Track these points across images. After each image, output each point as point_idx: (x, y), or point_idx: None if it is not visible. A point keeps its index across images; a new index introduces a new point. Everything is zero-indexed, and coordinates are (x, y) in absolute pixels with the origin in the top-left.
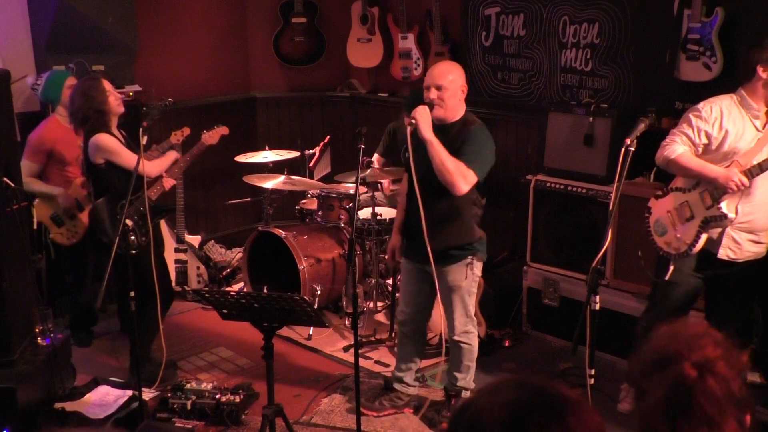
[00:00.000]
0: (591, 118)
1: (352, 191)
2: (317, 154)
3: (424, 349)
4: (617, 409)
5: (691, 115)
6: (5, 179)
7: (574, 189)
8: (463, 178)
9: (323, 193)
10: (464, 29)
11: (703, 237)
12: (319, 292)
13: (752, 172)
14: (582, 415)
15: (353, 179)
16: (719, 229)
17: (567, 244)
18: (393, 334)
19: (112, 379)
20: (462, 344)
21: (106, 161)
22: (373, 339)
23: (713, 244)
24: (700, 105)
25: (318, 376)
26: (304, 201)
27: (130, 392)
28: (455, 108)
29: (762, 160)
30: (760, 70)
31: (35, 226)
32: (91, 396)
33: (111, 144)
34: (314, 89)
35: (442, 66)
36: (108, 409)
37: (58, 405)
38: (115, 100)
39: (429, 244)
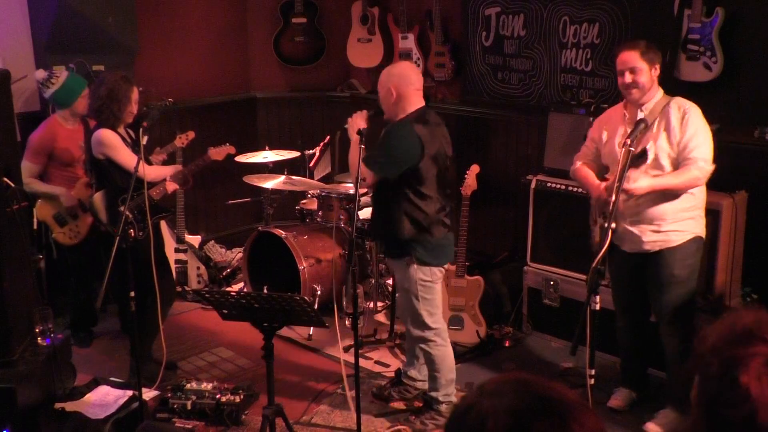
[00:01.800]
0: (591, 118)
1: (352, 191)
2: (317, 154)
3: None
4: (607, 405)
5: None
6: (5, 179)
7: (575, 189)
8: (367, 172)
9: (323, 194)
10: (464, 29)
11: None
12: (319, 293)
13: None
14: (584, 420)
15: (353, 179)
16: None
17: (567, 244)
18: (393, 334)
19: (112, 379)
20: (423, 349)
21: (106, 157)
22: (373, 339)
23: (618, 239)
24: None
25: (318, 376)
26: (304, 201)
27: (130, 392)
28: (393, 109)
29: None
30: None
31: (36, 226)
32: (91, 396)
33: (112, 140)
34: (314, 89)
35: (383, 72)
36: (108, 409)
37: (58, 405)
38: (132, 111)
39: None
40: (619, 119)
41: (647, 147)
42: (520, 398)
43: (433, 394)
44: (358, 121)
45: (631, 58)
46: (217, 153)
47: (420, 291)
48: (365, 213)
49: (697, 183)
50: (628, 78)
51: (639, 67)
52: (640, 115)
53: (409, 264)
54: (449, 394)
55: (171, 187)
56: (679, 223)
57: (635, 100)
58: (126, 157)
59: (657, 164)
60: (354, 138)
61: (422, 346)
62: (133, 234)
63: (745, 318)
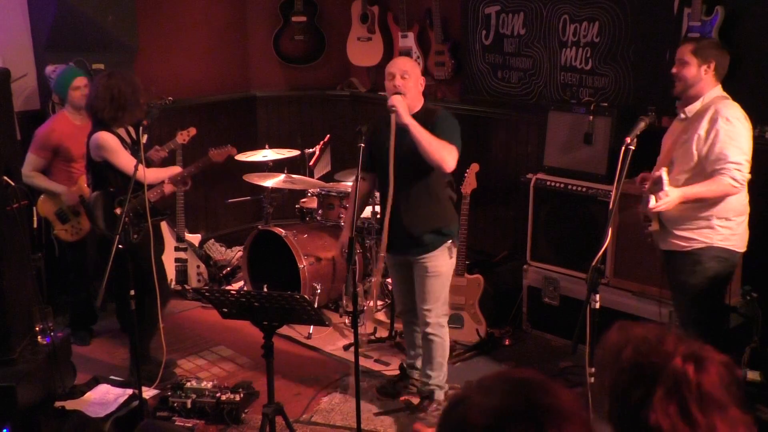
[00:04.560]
0: (591, 117)
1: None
2: (317, 152)
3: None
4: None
5: None
6: (5, 178)
7: (574, 188)
8: (449, 153)
9: (323, 192)
10: (464, 28)
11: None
12: (319, 291)
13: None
14: (565, 428)
15: (353, 178)
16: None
17: (567, 242)
18: (393, 333)
19: (112, 377)
20: (435, 338)
21: (104, 160)
22: (373, 338)
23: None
24: None
25: (318, 374)
26: (304, 200)
27: (130, 391)
28: (417, 97)
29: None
30: None
31: (36, 225)
32: (92, 395)
33: (111, 144)
34: (314, 88)
35: (403, 58)
36: (108, 408)
37: (58, 404)
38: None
39: (409, 232)
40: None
41: (661, 174)
42: (506, 399)
43: (438, 382)
44: (403, 104)
45: (682, 51)
46: (218, 155)
47: (450, 273)
48: (365, 212)
49: (731, 191)
50: (674, 68)
51: (686, 61)
52: (681, 117)
53: (450, 248)
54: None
55: (168, 189)
56: (693, 231)
57: (677, 93)
58: (125, 161)
59: (687, 159)
60: (410, 121)
61: (438, 334)
62: (128, 238)
63: (626, 349)
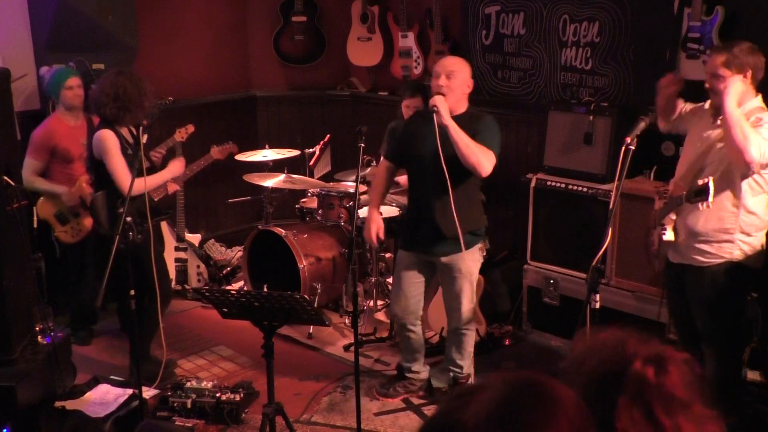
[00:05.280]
0: (591, 117)
1: (352, 190)
2: (317, 152)
3: (425, 335)
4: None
5: None
6: (5, 178)
7: (575, 188)
8: (486, 158)
9: (323, 192)
10: (464, 28)
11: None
12: (319, 291)
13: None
14: (559, 414)
15: (353, 178)
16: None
17: (567, 242)
18: (393, 333)
19: (112, 377)
20: (468, 332)
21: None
22: (373, 337)
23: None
24: None
25: (318, 374)
26: (304, 200)
27: (130, 391)
28: (461, 100)
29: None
30: None
31: (36, 225)
32: (92, 394)
33: (109, 144)
34: (314, 88)
35: (452, 57)
36: (108, 408)
37: (58, 403)
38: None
39: (443, 232)
40: (708, 115)
41: (708, 182)
42: (505, 390)
43: (470, 371)
44: (445, 104)
45: (714, 64)
46: (220, 152)
47: (478, 271)
48: (365, 212)
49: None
50: (707, 83)
51: (720, 75)
52: (718, 123)
53: (481, 248)
54: None
55: (172, 188)
56: (713, 245)
57: (716, 106)
58: (117, 166)
59: (720, 166)
60: (450, 123)
61: (470, 327)
62: (132, 237)
63: (588, 361)
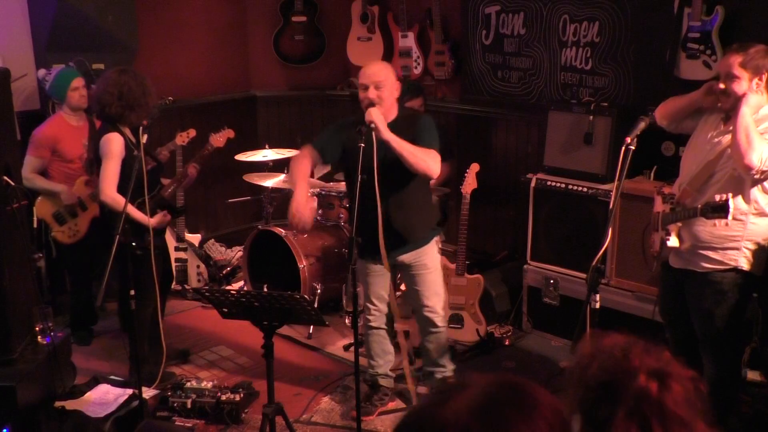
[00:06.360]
0: (591, 117)
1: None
2: None
3: (394, 338)
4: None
5: None
6: (5, 178)
7: (575, 188)
8: (433, 161)
9: (323, 192)
10: (464, 28)
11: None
12: (319, 291)
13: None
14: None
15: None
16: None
17: (567, 242)
18: (393, 333)
19: (112, 377)
20: (443, 329)
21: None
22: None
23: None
24: None
25: (318, 374)
26: None
27: (130, 391)
28: (392, 105)
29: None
30: None
31: (35, 225)
32: (92, 394)
33: (112, 148)
34: (314, 88)
35: (375, 65)
36: (108, 408)
37: (58, 404)
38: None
39: (403, 234)
40: (717, 118)
41: (728, 199)
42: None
43: (453, 367)
44: (381, 118)
45: (730, 64)
46: (218, 139)
47: (440, 265)
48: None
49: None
50: (721, 83)
51: (736, 75)
52: (729, 129)
53: (437, 241)
54: None
55: (193, 170)
56: (718, 252)
57: (727, 108)
58: (110, 170)
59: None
60: (390, 137)
61: (444, 324)
62: (148, 241)
63: (592, 366)
